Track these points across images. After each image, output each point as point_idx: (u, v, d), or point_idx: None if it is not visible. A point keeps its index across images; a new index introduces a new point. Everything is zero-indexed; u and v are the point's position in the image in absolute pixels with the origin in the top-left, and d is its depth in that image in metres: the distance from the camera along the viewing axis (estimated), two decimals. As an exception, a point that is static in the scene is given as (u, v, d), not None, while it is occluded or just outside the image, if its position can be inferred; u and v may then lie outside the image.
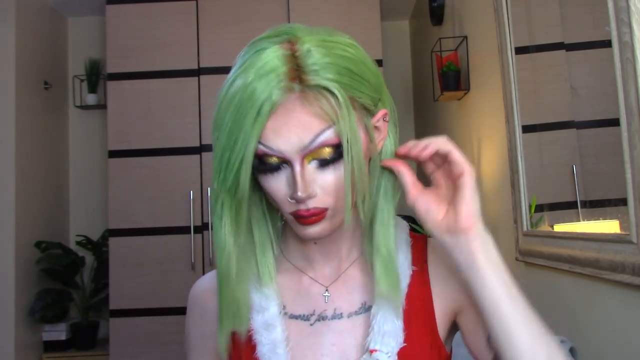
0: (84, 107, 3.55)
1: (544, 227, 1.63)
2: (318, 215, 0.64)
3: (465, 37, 2.39)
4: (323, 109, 0.60)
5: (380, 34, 2.88)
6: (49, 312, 3.01)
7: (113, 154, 2.86)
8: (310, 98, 0.60)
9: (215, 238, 0.66)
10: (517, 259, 1.78)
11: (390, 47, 3.62)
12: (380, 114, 0.68)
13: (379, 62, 2.76)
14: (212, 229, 0.68)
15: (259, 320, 0.71)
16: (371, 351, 0.68)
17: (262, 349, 0.70)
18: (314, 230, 0.65)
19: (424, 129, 3.49)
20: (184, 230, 2.81)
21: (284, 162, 0.63)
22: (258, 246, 0.73)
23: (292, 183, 0.62)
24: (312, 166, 0.63)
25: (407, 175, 0.68)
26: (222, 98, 0.62)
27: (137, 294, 2.78)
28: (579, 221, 1.43)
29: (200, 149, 2.85)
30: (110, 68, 2.89)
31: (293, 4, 2.90)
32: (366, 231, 0.72)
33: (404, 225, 0.78)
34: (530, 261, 1.68)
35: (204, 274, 2.78)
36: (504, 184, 1.93)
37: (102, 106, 3.43)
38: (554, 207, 1.65)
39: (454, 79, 2.45)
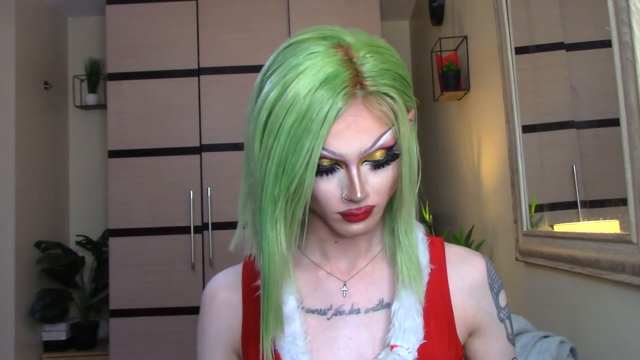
0: (84, 107, 3.55)
1: (544, 227, 1.63)
2: (367, 212, 0.66)
3: (465, 37, 2.39)
4: (384, 113, 0.63)
5: (380, 34, 2.88)
6: (49, 312, 3.01)
7: (113, 153, 2.86)
8: (373, 103, 0.62)
9: (265, 243, 0.66)
10: (517, 259, 1.78)
11: (390, 47, 3.62)
12: (410, 114, 0.70)
13: (379, 62, 2.76)
14: (260, 233, 0.66)
15: None
16: (392, 347, 0.69)
17: (281, 342, 0.71)
18: (359, 227, 0.68)
19: (424, 129, 3.49)
20: (184, 230, 2.81)
21: (337, 164, 0.64)
22: (282, 245, 0.74)
23: (349, 185, 0.64)
24: (365, 168, 0.65)
25: None
26: (275, 100, 0.61)
27: (137, 294, 2.78)
28: (579, 221, 1.43)
29: (200, 149, 2.85)
30: (110, 68, 2.89)
31: (293, 4, 2.89)
32: (386, 225, 0.75)
33: (419, 225, 0.79)
34: (530, 261, 1.68)
35: (204, 274, 2.80)
36: (504, 184, 1.93)
37: (102, 106, 3.43)
38: (554, 207, 1.65)
39: (454, 79, 2.45)
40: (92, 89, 3.49)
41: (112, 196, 2.84)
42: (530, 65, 1.74)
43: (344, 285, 0.75)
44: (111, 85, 2.89)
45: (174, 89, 2.88)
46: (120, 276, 2.79)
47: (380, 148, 0.64)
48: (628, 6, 1.03)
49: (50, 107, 3.39)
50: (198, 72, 2.89)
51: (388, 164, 0.65)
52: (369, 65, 0.61)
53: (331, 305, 0.74)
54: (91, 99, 3.49)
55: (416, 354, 0.69)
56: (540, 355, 1.24)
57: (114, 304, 2.78)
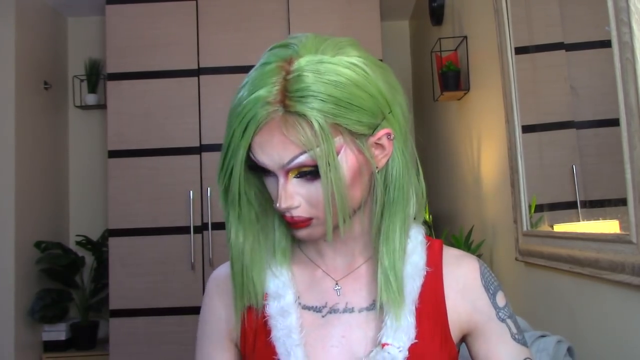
0: (84, 107, 3.55)
1: (544, 227, 1.63)
2: (303, 222, 0.69)
3: (465, 37, 2.39)
4: (299, 136, 0.64)
5: (380, 34, 2.88)
6: (49, 312, 3.01)
7: (113, 154, 2.86)
8: (290, 123, 0.64)
9: (227, 231, 0.74)
10: (517, 259, 1.78)
11: (390, 47, 3.62)
12: (381, 133, 0.69)
13: (379, 62, 2.76)
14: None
15: (275, 307, 0.74)
16: (383, 345, 0.70)
17: (277, 334, 0.73)
18: (301, 234, 0.71)
19: (424, 129, 3.49)
20: (184, 230, 2.81)
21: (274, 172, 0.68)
22: (276, 231, 0.77)
23: (275, 194, 0.69)
24: (296, 179, 0.67)
25: None
26: (231, 103, 0.68)
27: (137, 294, 2.78)
28: (579, 221, 1.43)
29: (200, 149, 2.85)
30: (110, 68, 2.89)
31: (293, 4, 2.89)
32: (374, 238, 0.75)
33: (420, 227, 0.80)
34: (530, 261, 1.68)
35: (203, 274, 2.79)
36: (504, 184, 1.93)
37: (102, 106, 3.43)
38: (553, 207, 1.65)
39: (454, 79, 2.45)
40: (92, 89, 3.49)
41: (112, 196, 2.84)
42: (530, 65, 1.74)
43: (337, 284, 0.76)
44: (111, 85, 2.89)
45: (174, 89, 2.88)
46: (120, 276, 2.79)
47: (299, 166, 0.65)
48: (628, 6, 1.03)
49: (50, 107, 3.39)
50: (198, 72, 2.89)
51: (316, 177, 0.66)
52: (298, 85, 0.63)
53: (326, 303, 0.76)
54: (91, 99, 3.49)
55: (407, 353, 0.70)
56: (537, 355, 1.24)
57: (113, 304, 2.78)
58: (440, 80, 2.52)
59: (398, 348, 0.69)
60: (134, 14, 2.92)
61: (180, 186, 2.83)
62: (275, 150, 0.65)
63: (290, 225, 0.70)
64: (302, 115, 0.63)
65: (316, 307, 0.76)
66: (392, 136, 0.70)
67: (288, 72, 0.64)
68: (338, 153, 0.66)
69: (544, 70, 1.68)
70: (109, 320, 2.79)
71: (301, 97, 0.63)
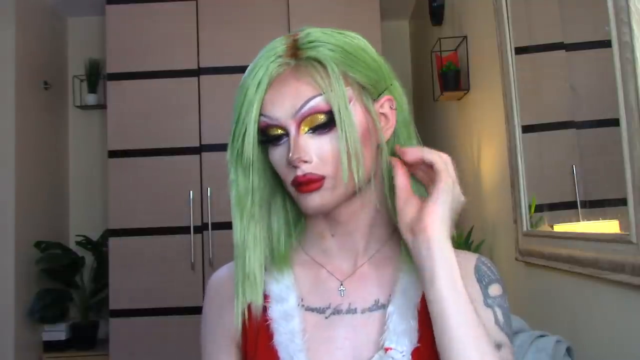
0: (84, 107, 3.55)
1: (544, 227, 1.63)
2: (315, 182, 0.67)
3: (465, 37, 2.40)
4: (313, 78, 0.66)
5: (380, 34, 2.88)
6: (49, 312, 3.01)
7: (113, 154, 2.86)
8: (302, 69, 0.66)
9: (232, 209, 0.72)
10: (517, 259, 1.78)
11: (390, 47, 3.62)
12: (384, 99, 0.71)
13: (379, 62, 2.76)
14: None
15: (278, 310, 0.73)
16: (386, 349, 0.69)
17: (279, 338, 0.71)
18: (314, 201, 0.68)
19: (424, 129, 3.49)
20: (184, 230, 2.81)
21: (285, 134, 0.68)
22: (274, 235, 0.76)
23: (286, 160, 0.68)
24: (308, 134, 0.67)
25: (402, 178, 0.70)
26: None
27: (137, 294, 2.78)
28: (579, 221, 1.43)
29: (200, 149, 2.85)
30: (110, 68, 2.89)
31: (293, 4, 2.89)
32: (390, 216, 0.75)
33: None
34: (530, 261, 1.68)
35: (203, 274, 2.79)
36: (504, 184, 1.93)
37: (102, 106, 3.43)
38: (553, 207, 1.65)
39: (454, 79, 2.45)
40: (92, 89, 3.49)
41: (112, 196, 2.84)
42: (530, 65, 1.74)
43: (341, 284, 0.75)
44: (111, 85, 2.89)
45: (174, 89, 2.88)
46: (120, 276, 2.79)
47: (314, 111, 0.66)
48: (628, 6, 1.03)
49: (50, 107, 3.39)
50: (198, 72, 2.89)
51: (328, 130, 0.66)
52: (306, 38, 0.67)
53: (329, 304, 0.74)
54: (91, 99, 3.49)
55: (410, 357, 0.69)
56: (536, 355, 1.24)
57: (113, 304, 2.78)
58: (440, 80, 2.52)
59: (401, 352, 0.68)
60: (134, 14, 2.92)
61: (180, 186, 2.83)
62: (287, 99, 0.66)
63: (301, 189, 0.68)
64: (315, 60, 0.66)
65: (320, 308, 0.74)
66: (394, 105, 0.72)
67: (295, 35, 0.68)
68: (350, 102, 0.67)
69: (544, 70, 1.68)
70: (109, 320, 2.79)
71: (312, 46, 0.66)
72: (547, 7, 1.63)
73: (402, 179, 0.70)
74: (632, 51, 1.03)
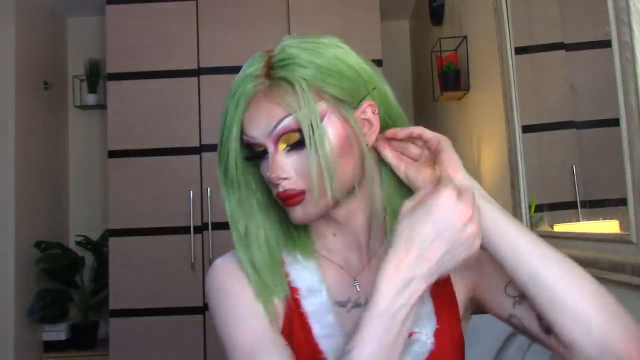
0: (84, 107, 3.55)
1: (544, 227, 1.63)
2: (295, 197, 0.70)
3: (465, 37, 2.40)
4: (283, 99, 0.68)
5: (380, 34, 2.88)
6: (49, 312, 3.01)
7: (113, 154, 2.86)
8: (275, 89, 0.68)
9: (229, 220, 0.75)
10: (517, 259, 1.78)
11: (390, 47, 3.62)
12: (365, 105, 0.72)
13: (379, 62, 2.76)
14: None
15: (313, 304, 0.74)
16: (411, 334, 0.71)
17: (320, 332, 0.72)
18: (298, 213, 0.71)
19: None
20: (184, 230, 2.81)
21: (266, 150, 0.70)
22: (285, 221, 0.77)
23: (266, 167, 0.71)
24: (285, 151, 0.69)
25: (388, 150, 0.75)
26: None
27: (137, 294, 2.78)
28: (579, 221, 1.43)
29: (200, 149, 2.85)
30: (110, 68, 2.89)
31: (293, 4, 2.89)
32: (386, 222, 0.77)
33: None
34: (530, 261, 1.68)
35: (203, 274, 2.79)
36: (504, 184, 1.93)
37: (102, 106, 3.43)
38: (554, 207, 1.65)
39: (454, 79, 2.45)
40: (92, 89, 3.49)
41: (112, 196, 2.84)
42: (530, 65, 1.74)
43: (355, 280, 0.77)
44: (111, 85, 2.89)
45: (174, 89, 2.88)
46: (120, 276, 2.79)
47: (287, 130, 0.68)
48: (628, 6, 1.03)
49: (50, 107, 3.39)
50: (198, 72, 2.89)
51: (304, 146, 0.68)
52: (278, 57, 0.69)
53: (349, 298, 0.76)
54: (91, 99, 3.49)
55: (433, 338, 0.72)
56: (536, 356, 1.24)
57: (113, 304, 2.78)
58: (440, 80, 2.52)
59: (425, 335, 0.72)
60: (134, 14, 2.91)
61: (180, 186, 2.83)
62: (262, 119, 0.69)
63: (285, 203, 0.71)
64: (284, 80, 0.68)
65: (342, 302, 0.75)
66: (376, 110, 0.73)
67: (272, 51, 0.71)
68: (322, 118, 0.68)
69: (544, 70, 1.68)
70: (109, 320, 2.79)
71: (283, 65, 0.68)
72: (547, 7, 1.63)
73: (390, 152, 0.75)
74: (632, 51, 1.03)
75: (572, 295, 0.62)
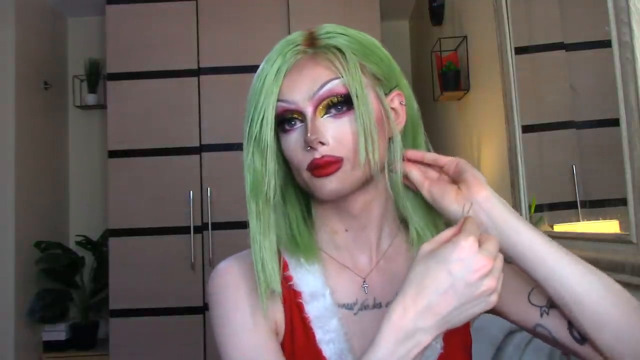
0: (84, 107, 3.55)
1: (544, 227, 1.63)
2: (333, 164, 0.67)
3: (465, 37, 2.40)
4: (332, 63, 0.68)
5: (380, 34, 2.87)
6: (49, 312, 3.00)
7: (113, 154, 2.86)
8: (321, 55, 0.69)
9: (247, 193, 0.71)
10: (517, 259, 1.78)
11: (390, 47, 3.56)
12: (394, 94, 0.73)
13: (379, 62, 2.76)
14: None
15: (317, 308, 0.72)
16: None
17: (323, 337, 0.71)
18: (331, 183, 0.68)
19: (424, 129, 3.49)
20: (184, 230, 2.81)
21: (300, 120, 0.69)
22: (293, 221, 0.76)
23: (301, 146, 0.68)
24: (324, 118, 0.68)
25: (415, 170, 0.74)
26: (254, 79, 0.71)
27: (137, 294, 2.78)
28: (579, 221, 1.43)
29: (200, 149, 2.85)
30: (110, 68, 2.89)
31: (293, 4, 2.89)
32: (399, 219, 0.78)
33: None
34: (530, 261, 1.68)
35: (203, 274, 2.79)
36: (504, 184, 1.93)
37: (102, 106, 3.43)
38: (553, 207, 1.65)
39: (454, 79, 2.45)
40: (92, 89, 3.49)
41: (112, 196, 2.84)
42: (530, 65, 1.74)
43: (364, 281, 0.75)
44: (111, 85, 2.89)
45: (174, 89, 2.88)
46: (120, 276, 2.79)
47: (331, 93, 0.67)
48: (628, 6, 1.04)
49: (50, 107, 3.39)
50: (198, 72, 2.89)
51: (345, 112, 0.68)
52: (324, 29, 0.70)
53: (356, 300, 0.74)
54: (91, 99, 3.49)
55: (442, 342, 0.71)
56: (534, 354, 1.24)
57: (113, 304, 2.78)
58: (440, 80, 2.52)
59: (434, 339, 0.69)
60: (134, 14, 2.91)
61: (180, 186, 2.83)
62: (305, 83, 0.68)
63: (317, 172, 0.67)
64: (333, 47, 0.68)
65: (348, 304, 0.74)
66: (404, 101, 0.74)
67: (312, 29, 0.71)
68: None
69: (544, 70, 1.68)
70: (109, 320, 2.79)
71: (329, 37, 0.69)
72: (547, 7, 1.63)
73: (417, 172, 0.74)
74: (632, 51, 1.03)
75: (605, 302, 0.66)
